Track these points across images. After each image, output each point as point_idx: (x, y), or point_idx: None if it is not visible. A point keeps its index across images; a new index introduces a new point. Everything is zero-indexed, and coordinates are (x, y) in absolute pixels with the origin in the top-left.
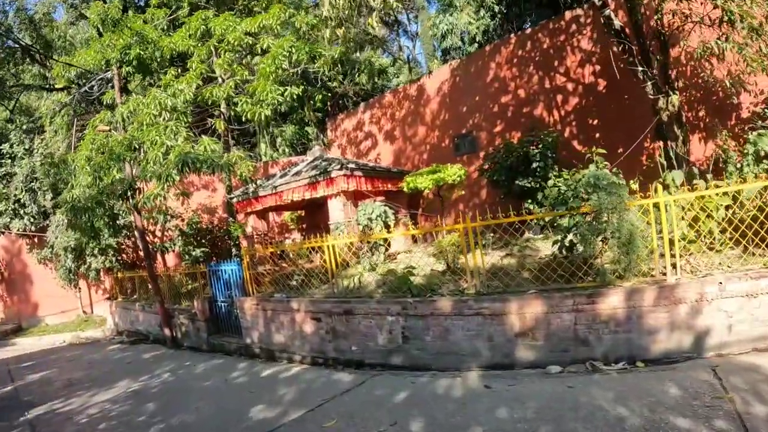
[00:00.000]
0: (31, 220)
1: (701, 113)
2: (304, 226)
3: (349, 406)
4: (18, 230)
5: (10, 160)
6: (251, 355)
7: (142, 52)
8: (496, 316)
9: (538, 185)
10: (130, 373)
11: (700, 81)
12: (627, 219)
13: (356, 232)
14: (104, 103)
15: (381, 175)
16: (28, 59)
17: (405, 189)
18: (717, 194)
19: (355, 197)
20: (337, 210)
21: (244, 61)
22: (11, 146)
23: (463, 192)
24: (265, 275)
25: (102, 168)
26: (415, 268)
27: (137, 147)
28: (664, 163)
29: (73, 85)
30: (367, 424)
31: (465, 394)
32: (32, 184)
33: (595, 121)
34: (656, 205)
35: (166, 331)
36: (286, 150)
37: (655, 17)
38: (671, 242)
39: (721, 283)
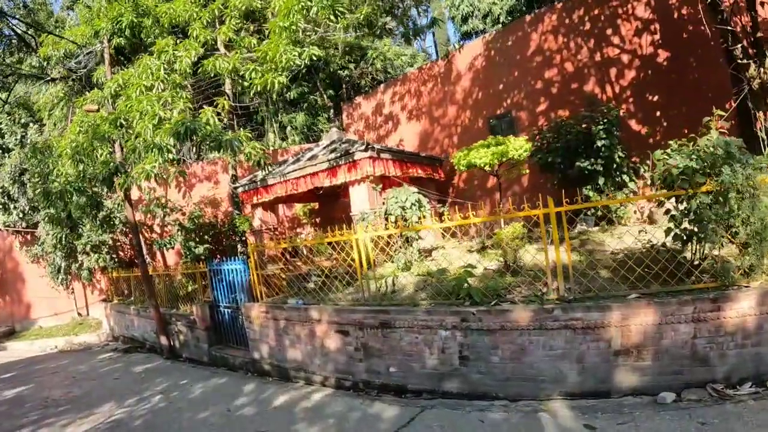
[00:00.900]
0: (21, 215)
1: None
2: (317, 220)
3: None
4: (5, 225)
5: (0, 152)
6: (260, 373)
7: (135, 20)
8: (590, 330)
9: (601, 168)
10: (116, 393)
11: None
12: (762, 202)
13: (384, 224)
14: (96, 81)
15: (410, 159)
16: (23, 46)
17: (457, 167)
18: None
19: (380, 185)
20: (361, 198)
21: (251, 29)
22: (2, 136)
23: (527, 171)
24: (276, 276)
25: (85, 150)
26: (474, 266)
27: (124, 123)
28: (765, 137)
29: (72, 73)
30: None
31: None
32: (23, 176)
33: (655, 98)
34: None
35: (162, 340)
36: (296, 139)
37: None
38: None
39: None
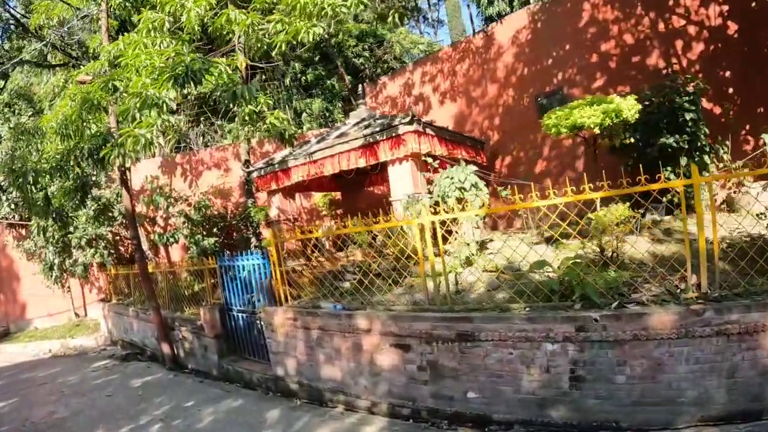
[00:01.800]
0: (12, 206)
1: None
2: (338, 211)
3: None
4: None
5: None
6: (284, 393)
7: None
8: (747, 336)
9: (686, 144)
10: (106, 416)
11: None
12: None
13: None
14: (92, 53)
15: (453, 138)
16: (21, 31)
17: (552, 132)
18: None
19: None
20: (403, 180)
21: None
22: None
23: (630, 140)
24: (300, 273)
25: (73, 123)
26: (545, 261)
27: (118, 86)
28: None
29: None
30: None
31: None
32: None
33: (727, 73)
34: None
35: (164, 347)
36: (313, 125)
37: None
38: None
39: None
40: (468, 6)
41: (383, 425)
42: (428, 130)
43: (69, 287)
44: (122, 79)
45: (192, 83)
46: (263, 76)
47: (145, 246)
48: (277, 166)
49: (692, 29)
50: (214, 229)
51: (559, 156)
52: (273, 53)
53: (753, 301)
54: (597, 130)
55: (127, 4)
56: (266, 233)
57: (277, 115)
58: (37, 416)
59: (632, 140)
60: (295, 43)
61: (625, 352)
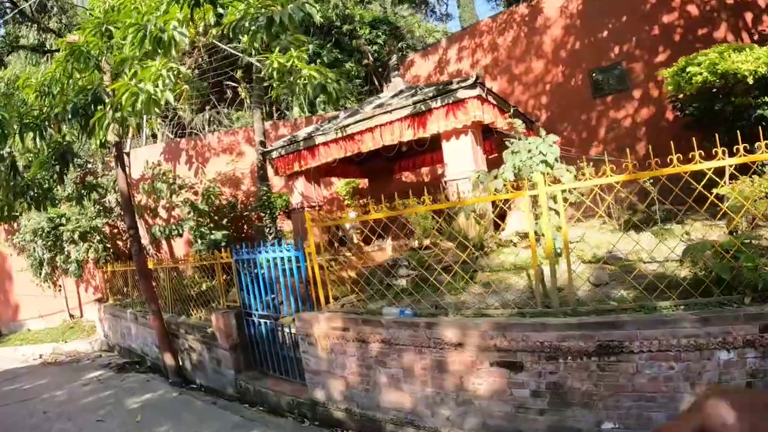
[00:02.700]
0: None
1: None
2: (362, 201)
3: None
4: None
5: None
6: (326, 422)
7: None
8: None
9: None
10: None
11: None
12: None
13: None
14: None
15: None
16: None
17: (689, 84)
18: None
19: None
20: (462, 155)
21: None
22: None
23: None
24: (342, 266)
25: (57, 82)
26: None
27: (111, 34)
28: None
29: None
30: None
31: None
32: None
33: None
34: None
35: (167, 358)
36: (327, 109)
37: None
38: None
39: None
40: None
41: None
42: (490, 98)
43: (61, 286)
44: (119, 25)
45: (212, 3)
46: None
47: (145, 241)
48: (302, 143)
49: (762, 1)
50: (224, 221)
51: (616, 139)
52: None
53: None
54: (750, 80)
55: None
56: (288, 227)
57: (315, 67)
58: None
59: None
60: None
61: None
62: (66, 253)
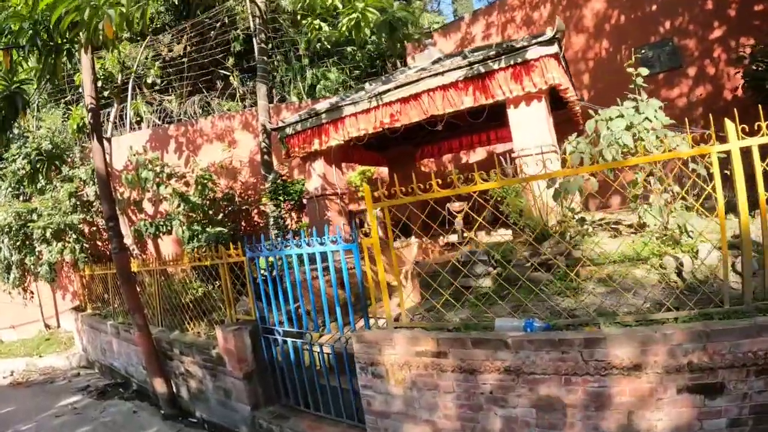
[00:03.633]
0: None
1: None
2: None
3: None
4: None
5: None
6: None
7: None
8: None
9: None
10: None
11: None
12: None
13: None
14: None
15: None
16: None
17: None
18: None
19: None
20: (536, 125)
21: None
22: None
23: None
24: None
25: None
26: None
27: None
28: None
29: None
30: None
31: None
32: None
33: None
34: None
35: (158, 384)
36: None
37: None
38: None
39: None
40: None
41: None
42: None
43: (34, 293)
44: None
45: None
46: (270, 45)
47: (128, 240)
48: (324, 116)
49: None
50: (219, 216)
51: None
52: None
53: None
54: None
55: None
56: (302, 220)
57: None
58: None
59: None
60: None
61: None
62: (37, 253)
